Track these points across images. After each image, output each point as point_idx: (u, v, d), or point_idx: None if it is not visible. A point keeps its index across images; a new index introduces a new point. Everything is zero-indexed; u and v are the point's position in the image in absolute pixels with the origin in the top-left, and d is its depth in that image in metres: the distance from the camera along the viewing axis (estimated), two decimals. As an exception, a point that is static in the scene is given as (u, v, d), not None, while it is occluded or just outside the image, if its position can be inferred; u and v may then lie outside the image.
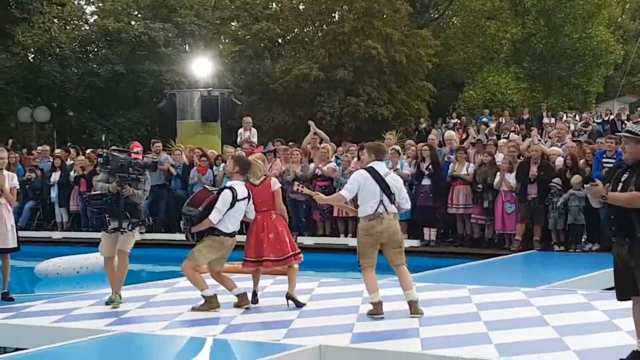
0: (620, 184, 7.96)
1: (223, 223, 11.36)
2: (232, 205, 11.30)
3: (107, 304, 11.90)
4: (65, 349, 9.55)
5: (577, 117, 39.22)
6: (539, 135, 22.96)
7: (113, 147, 27.64)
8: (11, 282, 14.43)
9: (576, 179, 17.12)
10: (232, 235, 11.51)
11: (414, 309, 10.68)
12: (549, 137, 24.29)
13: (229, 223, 11.41)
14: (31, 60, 44.75)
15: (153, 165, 12.33)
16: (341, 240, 19.53)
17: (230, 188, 11.40)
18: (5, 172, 13.62)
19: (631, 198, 7.73)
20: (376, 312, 10.68)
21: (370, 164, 10.86)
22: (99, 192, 11.82)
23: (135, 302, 12.37)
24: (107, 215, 11.83)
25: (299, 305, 11.48)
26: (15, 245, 13.52)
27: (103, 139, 32.17)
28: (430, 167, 18.88)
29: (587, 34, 49.82)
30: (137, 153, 12.06)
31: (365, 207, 10.67)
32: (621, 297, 8.13)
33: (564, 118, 38.34)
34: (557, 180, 17.62)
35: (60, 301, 12.60)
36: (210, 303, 11.45)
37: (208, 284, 11.65)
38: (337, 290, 11.71)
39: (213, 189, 12.41)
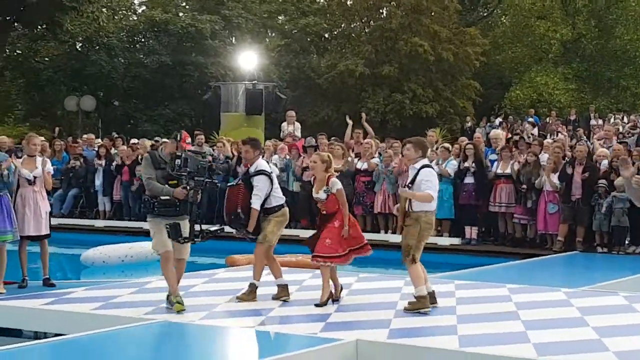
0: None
1: (274, 198, 11.57)
2: (271, 183, 11.54)
3: (170, 307, 10.87)
4: (104, 336, 9.62)
5: (625, 119, 38.80)
6: (585, 137, 22.74)
7: (156, 139, 27.81)
8: (55, 269, 14.56)
9: (620, 180, 16.95)
10: (285, 202, 11.81)
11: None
12: (596, 139, 24.07)
13: (277, 194, 11.66)
14: (79, 49, 45.09)
15: (227, 168, 12.09)
16: (382, 236, 19.45)
17: (262, 172, 11.50)
18: (39, 157, 13.69)
19: None
20: (424, 305, 10.69)
21: (426, 161, 10.94)
22: (165, 197, 10.55)
23: (175, 291, 12.41)
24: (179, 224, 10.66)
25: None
26: (48, 232, 13.61)
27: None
28: (474, 165, 18.78)
29: (639, 35, 49.29)
30: (188, 144, 11.18)
31: (430, 203, 10.77)
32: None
33: (612, 120, 37.95)
34: (603, 181, 17.46)
35: (101, 288, 12.69)
36: (283, 291, 11.59)
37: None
38: (375, 285, 11.69)
39: (236, 181, 12.43)
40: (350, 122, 22.21)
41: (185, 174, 10.47)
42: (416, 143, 11.11)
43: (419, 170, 10.79)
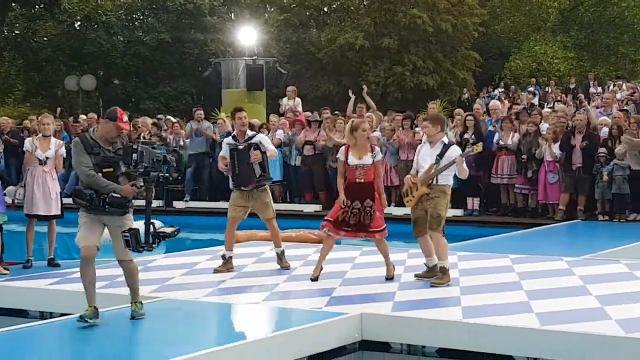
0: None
1: None
2: None
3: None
4: (111, 314, 9.67)
5: (624, 86, 38.74)
6: (587, 104, 22.71)
7: (159, 116, 27.79)
8: (60, 249, 14.63)
9: (621, 148, 17.00)
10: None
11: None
12: (596, 107, 24.09)
13: None
14: (77, 28, 45.08)
15: (178, 159, 11.48)
16: (385, 209, 19.46)
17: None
18: (53, 139, 13.79)
19: None
20: (449, 278, 10.86)
21: (445, 137, 11.16)
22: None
23: (179, 269, 12.51)
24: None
25: None
26: (58, 212, 13.69)
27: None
28: (473, 136, 18.81)
29: (636, 2, 49.13)
30: (126, 122, 9.55)
31: (451, 176, 11.02)
32: (663, 268, 8.13)
33: (611, 87, 37.91)
34: (603, 149, 17.51)
35: (106, 267, 12.71)
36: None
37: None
38: (379, 259, 11.74)
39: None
40: (352, 95, 22.21)
41: (142, 169, 9.11)
42: (434, 118, 11.29)
43: (448, 146, 10.96)
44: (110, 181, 9.08)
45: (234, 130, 12.83)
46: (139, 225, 9.23)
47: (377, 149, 11.31)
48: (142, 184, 9.23)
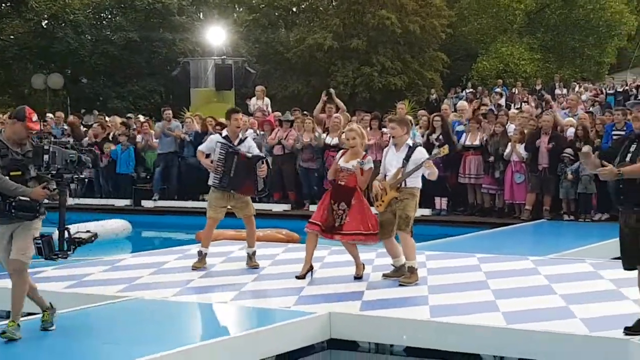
0: (630, 155, 8.02)
1: None
2: None
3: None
4: (78, 314, 9.67)
5: (589, 89, 39.08)
6: (553, 105, 22.91)
7: (129, 115, 27.61)
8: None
9: (585, 148, 17.11)
10: None
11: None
12: (562, 108, 24.28)
13: None
14: (45, 27, 44.77)
15: (94, 159, 10.59)
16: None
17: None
18: None
19: None
20: (417, 277, 10.98)
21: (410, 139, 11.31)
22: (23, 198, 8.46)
23: (148, 268, 12.51)
24: None
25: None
26: None
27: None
28: (440, 137, 18.90)
29: (601, 5, 49.49)
30: (36, 122, 8.71)
31: (420, 178, 11.14)
32: (627, 267, 8.22)
33: (577, 89, 38.22)
34: (569, 150, 17.65)
35: (73, 267, 12.69)
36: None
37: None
38: (347, 258, 11.79)
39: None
40: (325, 97, 22.09)
41: (54, 171, 8.54)
42: (401, 121, 11.44)
43: (413, 148, 11.06)
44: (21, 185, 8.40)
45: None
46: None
47: (368, 159, 11.37)
48: (54, 186, 8.61)
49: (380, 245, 11.43)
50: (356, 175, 11.14)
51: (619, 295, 9.93)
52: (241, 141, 12.34)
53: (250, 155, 12.18)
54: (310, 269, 11.46)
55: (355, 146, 11.26)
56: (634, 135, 8.19)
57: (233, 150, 12.14)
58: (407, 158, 10.98)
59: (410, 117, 20.13)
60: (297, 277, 11.30)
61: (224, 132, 12.59)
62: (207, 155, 12.49)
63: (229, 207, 12.32)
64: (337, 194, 11.27)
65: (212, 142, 12.42)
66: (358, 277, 11.32)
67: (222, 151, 12.13)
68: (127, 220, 19.13)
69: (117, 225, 18.38)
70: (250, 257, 12.45)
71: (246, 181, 12.10)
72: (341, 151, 11.61)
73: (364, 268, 11.49)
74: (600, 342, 8.11)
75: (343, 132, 19.71)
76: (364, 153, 11.41)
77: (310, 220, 11.37)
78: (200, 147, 12.74)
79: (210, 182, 12.30)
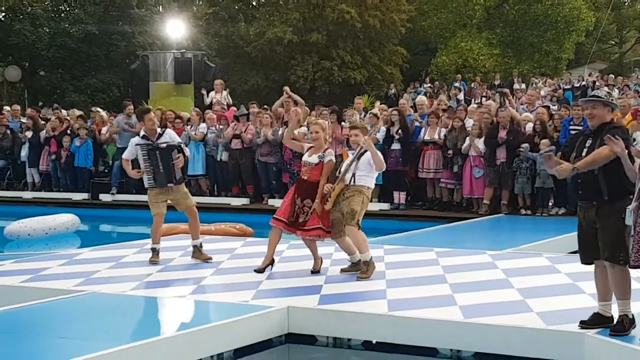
0: (586, 150, 8.08)
1: None
2: None
3: None
4: (34, 308, 9.60)
5: (547, 84, 39.35)
6: (512, 100, 23.01)
7: (93, 109, 27.36)
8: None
9: (544, 143, 17.25)
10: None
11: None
12: (520, 103, 24.42)
13: None
14: (2, 19, 44.32)
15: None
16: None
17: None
18: None
19: (593, 158, 7.86)
20: (373, 269, 11.05)
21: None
22: None
23: (105, 262, 12.44)
24: None
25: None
26: None
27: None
28: (399, 131, 18.96)
29: (560, 1, 49.88)
30: None
31: (374, 178, 11.29)
32: (585, 261, 8.28)
33: (538, 83, 38.47)
34: (525, 145, 17.75)
35: (29, 261, 12.62)
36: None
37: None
38: (305, 252, 11.79)
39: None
40: (288, 93, 21.98)
41: None
42: (363, 128, 11.50)
43: (365, 150, 11.09)
44: None
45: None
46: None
47: (329, 151, 11.38)
48: None
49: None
50: (318, 169, 11.18)
51: (575, 289, 10.01)
52: (160, 135, 12.32)
53: (164, 145, 12.21)
54: (271, 263, 11.46)
55: (318, 139, 11.30)
56: (589, 131, 8.25)
57: (152, 146, 12.20)
58: (358, 157, 11.09)
59: (376, 111, 20.25)
60: (256, 271, 11.30)
61: (141, 132, 12.57)
62: (134, 161, 12.58)
63: (169, 201, 12.40)
64: (302, 189, 11.29)
65: (132, 146, 12.46)
66: (316, 272, 11.34)
67: (143, 152, 12.24)
68: (84, 214, 19.05)
69: (66, 220, 18.21)
70: (199, 249, 12.42)
71: (169, 173, 12.22)
72: (307, 145, 11.63)
73: (322, 262, 11.51)
74: (555, 335, 8.18)
75: (302, 126, 19.99)
76: (326, 147, 11.43)
77: (275, 215, 11.35)
78: (124, 155, 12.71)
79: (146, 185, 12.37)
